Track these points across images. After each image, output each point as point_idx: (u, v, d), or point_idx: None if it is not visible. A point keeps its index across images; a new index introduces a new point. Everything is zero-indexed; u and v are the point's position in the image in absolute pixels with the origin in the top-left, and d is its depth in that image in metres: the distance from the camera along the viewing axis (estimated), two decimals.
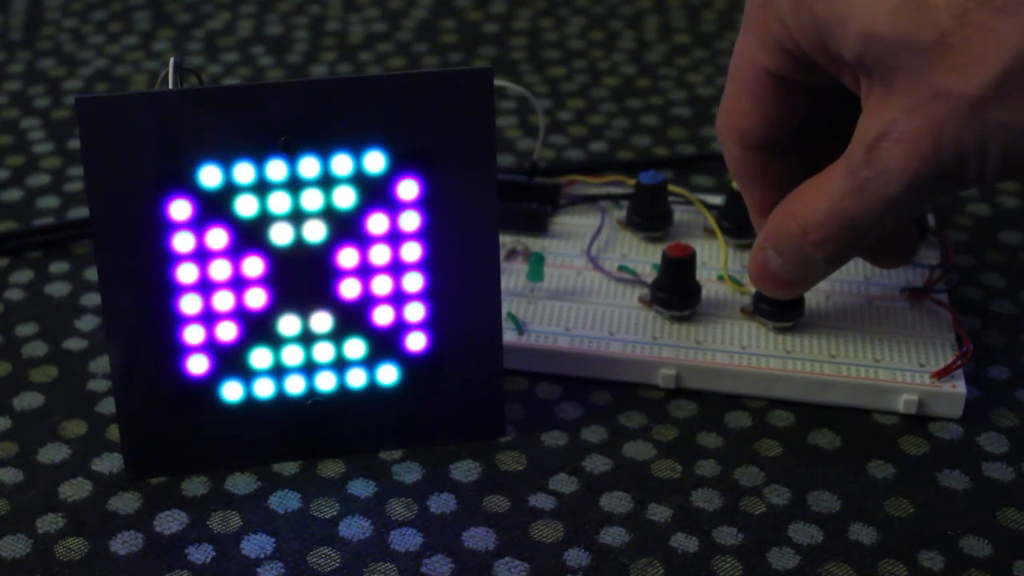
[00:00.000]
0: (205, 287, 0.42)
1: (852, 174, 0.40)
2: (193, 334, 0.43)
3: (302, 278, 0.43)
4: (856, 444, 0.46)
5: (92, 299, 0.52)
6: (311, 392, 0.44)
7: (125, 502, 0.43)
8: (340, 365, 0.44)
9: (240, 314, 0.43)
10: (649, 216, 0.53)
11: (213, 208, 0.41)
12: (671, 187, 0.54)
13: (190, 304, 0.42)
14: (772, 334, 0.49)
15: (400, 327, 0.44)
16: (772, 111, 0.43)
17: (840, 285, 0.51)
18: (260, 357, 0.43)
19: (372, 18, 0.74)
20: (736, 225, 0.52)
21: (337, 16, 0.74)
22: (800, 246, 0.42)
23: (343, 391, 0.44)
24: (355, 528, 0.42)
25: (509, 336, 0.48)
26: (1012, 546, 0.42)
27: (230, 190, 0.41)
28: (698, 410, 0.47)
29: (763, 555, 0.42)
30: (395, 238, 0.43)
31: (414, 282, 0.44)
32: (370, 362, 0.44)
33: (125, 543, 0.42)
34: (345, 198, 0.42)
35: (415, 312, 0.44)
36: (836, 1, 0.38)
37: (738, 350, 0.48)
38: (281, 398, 0.44)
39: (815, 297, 0.50)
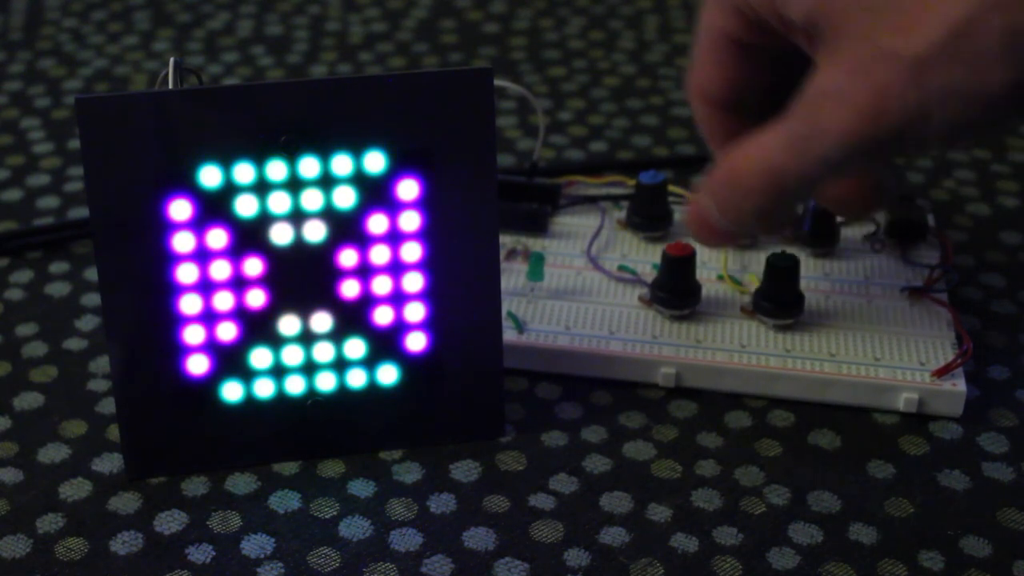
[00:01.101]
0: (205, 287, 0.42)
1: (789, 130, 0.40)
2: (193, 334, 0.43)
3: (302, 278, 0.43)
4: (856, 444, 0.46)
5: (92, 299, 0.52)
6: (311, 392, 0.44)
7: (125, 502, 0.43)
8: (340, 365, 0.44)
9: (240, 314, 0.43)
10: (649, 216, 0.53)
11: (213, 208, 0.41)
12: (671, 187, 0.54)
13: (190, 304, 0.42)
14: (772, 333, 0.49)
15: (400, 327, 0.44)
16: (733, 73, 0.44)
17: (840, 284, 0.51)
18: (260, 357, 0.43)
19: (372, 18, 0.74)
20: None
21: (337, 16, 0.74)
22: (731, 195, 0.42)
23: (343, 391, 0.44)
24: (355, 528, 0.42)
25: (509, 336, 0.48)
26: (1012, 546, 0.42)
27: (230, 190, 0.41)
28: (698, 410, 0.47)
29: (763, 555, 0.42)
30: (395, 238, 0.43)
31: (414, 282, 0.44)
32: (370, 362, 0.44)
33: (125, 543, 0.42)
34: (345, 198, 0.42)
35: (415, 312, 0.44)
36: None
37: (738, 349, 0.48)
38: (281, 398, 0.44)
39: (815, 296, 0.50)
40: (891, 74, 0.37)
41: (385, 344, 0.44)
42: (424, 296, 0.44)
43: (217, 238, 0.42)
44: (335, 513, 0.43)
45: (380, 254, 0.43)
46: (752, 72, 0.44)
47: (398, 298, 0.44)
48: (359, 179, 0.42)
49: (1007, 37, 0.36)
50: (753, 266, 0.52)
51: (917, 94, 0.37)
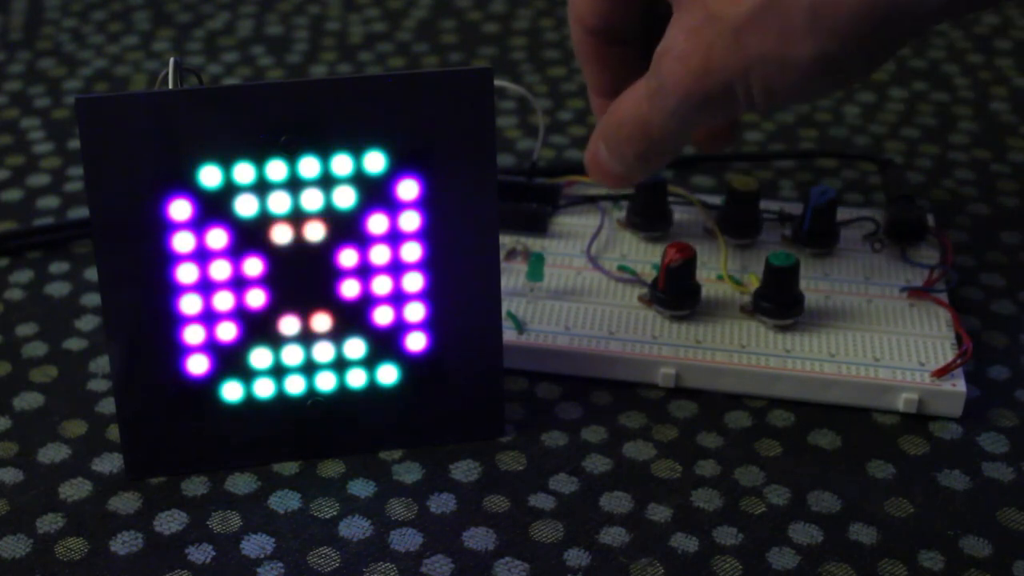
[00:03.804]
0: (205, 287, 0.42)
1: (647, 83, 0.43)
2: (193, 334, 0.43)
3: (302, 278, 0.43)
4: (856, 444, 0.46)
5: (92, 299, 0.52)
6: (311, 392, 0.44)
7: (125, 502, 0.43)
8: (340, 365, 0.44)
9: (240, 314, 0.43)
10: (649, 216, 0.53)
11: (213, 208, 0.41)
12: (671, 187, 0.54)
13: (190, 304, 0.42)
14: (772, 333, 0.49)
15: (400, 327, 0.44)
16: (605, 4, 0.46)
17: (840, 284, 0.51)
18: (260, 357, 0.43)
19: (372, 18, 0.74)
20: (736, 225, 0.52)
21: (337, 16, 0.74)
22: (616, 141, 0.45)
23: (343, 391, 0.44)
24: (355, 528, 0.42)
25: (509, 336, 0.48)
26: (1012, 546, 0.42)
27: (230, 190, 0.41)
28: (698, 410, 0.47)
29: (763, 555, 0.42)
30: (395, 238, 0.43)
31: (414, 282, 0.44)
32: (370, 362, 0.44)
33: (125, 543, 0.42)
34: (345, 198, 0.42)
35: (415, 312, 0.44)
36: None
37: (738, 349, 0.48)
38: (281, 398, 0.44)
39: (815, 296, 0.50)
40: (716, 37, 0.41)
41: (385, 344, 0.44)
42: (424, 296, 0.44)
43: (217, 238, 0.42)
44: (335, 513, 0.43)
45: (380, 254, 0.43)
46: (622, 6, 0.46)
47: (398, 298, 0.44)
48: (359, 179, 0.42)
49: (810, 11, 0.39)
50: (753, 266, 0.52)
51: (737, 57, 0.40)
